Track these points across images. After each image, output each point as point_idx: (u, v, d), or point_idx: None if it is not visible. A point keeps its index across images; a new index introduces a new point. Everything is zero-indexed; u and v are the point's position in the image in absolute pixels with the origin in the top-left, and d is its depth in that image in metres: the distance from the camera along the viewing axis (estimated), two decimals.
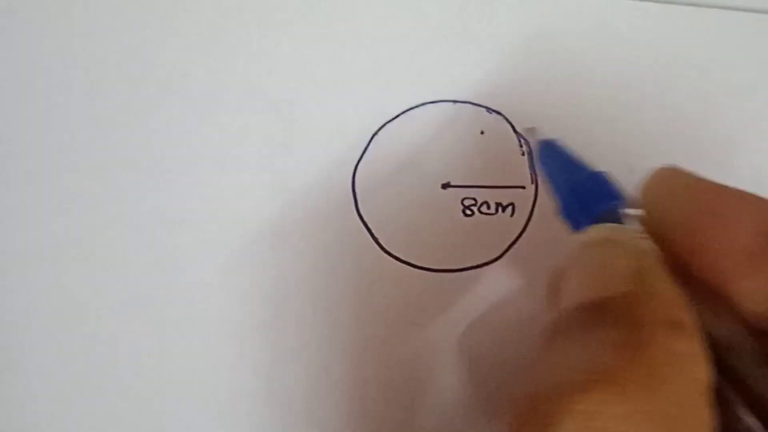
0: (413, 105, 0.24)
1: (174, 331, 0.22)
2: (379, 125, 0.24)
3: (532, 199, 0.24)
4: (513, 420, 0.13)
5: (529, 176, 0.24)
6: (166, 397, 0.22)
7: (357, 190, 0.24)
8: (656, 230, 0.16)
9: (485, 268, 0.23)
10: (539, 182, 0.24)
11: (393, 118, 0.24)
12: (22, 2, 0.25)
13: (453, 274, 0.23)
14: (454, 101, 0.25)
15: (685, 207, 0.16)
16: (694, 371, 0.13)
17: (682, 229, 0.16)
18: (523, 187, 0.24)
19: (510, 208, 0.24)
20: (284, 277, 0.23)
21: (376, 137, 0.24)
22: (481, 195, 0.24)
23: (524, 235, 0.23)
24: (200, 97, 0.24)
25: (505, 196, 0.24)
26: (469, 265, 0.23)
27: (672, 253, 0.16)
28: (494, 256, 0.23)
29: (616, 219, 0.17)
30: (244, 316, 0.23)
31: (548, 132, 0.23)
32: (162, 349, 0.22)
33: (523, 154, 0.24)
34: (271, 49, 0.25)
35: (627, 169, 0.24)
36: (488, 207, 0.24)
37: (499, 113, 0.24)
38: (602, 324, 0.14)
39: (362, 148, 0.24)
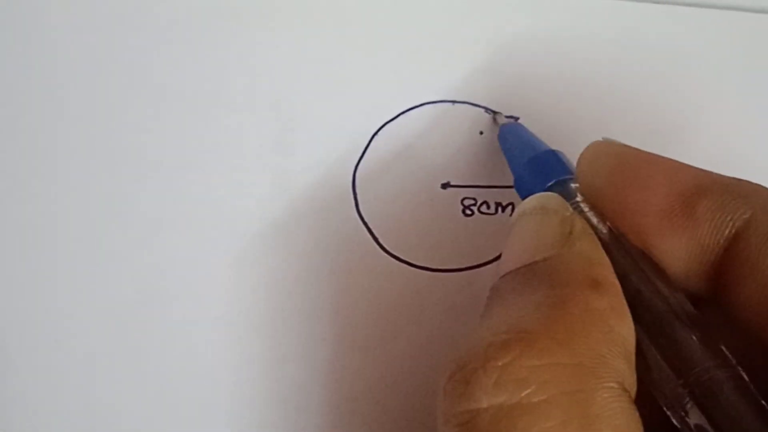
0: (413, 105, 0.25)
1: (173, 331, 0.22)
2: (379, 125, 0.24)
3: None
4: (443, 381, 0.14)
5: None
6: (167, 397, 0.22)
7: (357, 190, 0.24)
8: (590, 199, 0.17)
9: (485, 267, 0.23)
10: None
11: (393, 118, 0.24)
12: (23, 2, 0.25)
13: (453, 273, 0.23)
14: (454, 101, 0.25)
15: (610, 174, 0.17)
16: (612, 326, 0.14)
17: (608, 195, 0.17)
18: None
19: (510, 207, 0.24)
20: (284, 276, 0.23)
21: (376, 137, 0.24)
22: (480, 195, 0.24)
23: None
24: (200, 97, 0.24)
25: (504, 196, 0.24)
26: (469, 264, 0.23)
27: (607, 219, 0.17)
28: (494, 256, 0.23)
29: (565, 192, 0.18)
30: (244, 315, 0.23)
31: (547, 131, 0.23)
32: (162, 350, 0.22)
33: None
34: (271, 48, 0.25)
35: None
36: (488, 207, 0.24)
37: (498, 113, 0.24)
38: (530, 287, 0.15)
39: (362, 148, 0.24)
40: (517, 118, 0.24)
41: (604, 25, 0.26)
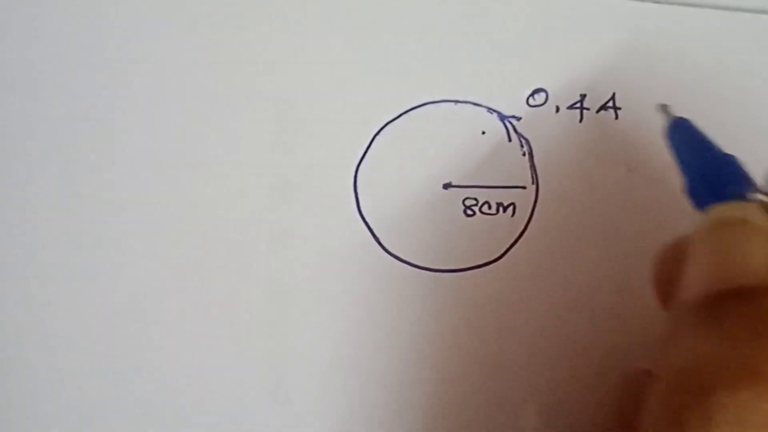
0: (415, 105, 0.24)
1: (174, 332, 0.22)
2: (381, 125, 0.24)
3: (532, 199, 0.24)
4: (667, 389, 0.13)
5: (530, 176, 0.24)
6: (167, 397, 0.22)
7: (358, 190, 0.24)
8: None
9: (486, 268, 0.23)
10: (540, 182, 0.24)
11: (394, 118, 0.24)
12: (23, 2, 0.25)
13: (454, 274, 0.23)
14: (456, 101, 0.25)
15: None
16: None
17: None
18: (524, 188, 0.24)
19: (511, 208, 0.24)
20: (285, 277, 0.23)
21: (377, 137, 0.24)
22: (482, 195, 0.24)
23: (525, 235, 0.24)
24: (200, 97, 0.24)
25: (506, 197, 0.24)
26: (470, 265, 0.23)
27: None
28: (495, 256, 0.23)
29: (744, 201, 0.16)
30: (245, 315, 0.23)
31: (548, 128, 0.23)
32: (162, 350, 0.22)
33: (524, 155, 0.24)
34: (272, 48, 0.25)
35: (626, 169, 0.24)
36: (489, 207, 0.24)
37: (500, 113, 0.24)
38: (740, 315, 0.13)
39: (364, 148, 0.24)
40: (519, 118, 0.24)
41: (606, 25, 0.26)
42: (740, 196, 0.17)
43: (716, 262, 0.14)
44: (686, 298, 0.15)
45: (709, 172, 0.18)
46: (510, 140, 0.24)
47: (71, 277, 0.23)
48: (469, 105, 0.25)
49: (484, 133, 0.24)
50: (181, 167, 0.24)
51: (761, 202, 0.16)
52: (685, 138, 0.20)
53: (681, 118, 0.21)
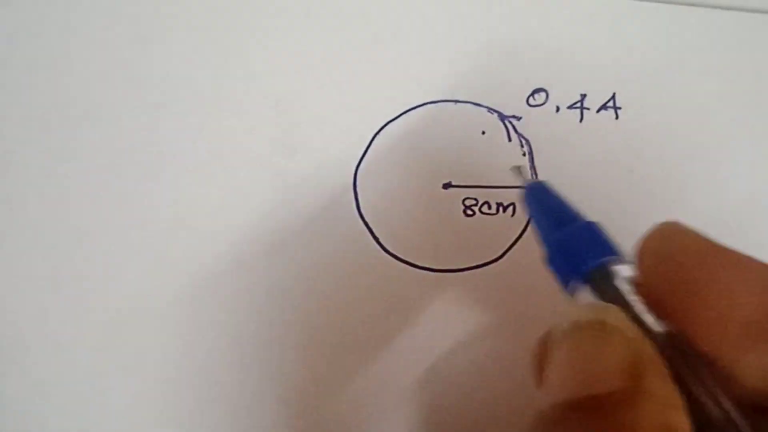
0: (414, 105, 0.24)
1: (175, 331, 0.22)
2: (381, 125, 0.24)
3: None
4: None
5: (530, 176, 0.24)
6: (167, 398, 0.22)
7: (358, 190, 0.24)
8: (650, 292, 0.15)
9: (486, 267, 0.23)
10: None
11: (394, 118, 0.24)
12: (23, 1, 0.25)
13: (454, 273, 0.23)
14: (456, 101, 0.25)
15: (684, 271, 0.15)
16: None
17: (679, 294, 0.15)
18: (524, 188, 0.24)
19: (511, 208, 0.24)
20: (285, 276, 0.23)
21: (377, 137, 0.24)
22: (481, 195, 0.24)
23: (525, 235, 0.24)
24: (201, 98, 0.24)
25: (505, 197, 0.24)
26: (470, 264, 0.23)
27: (667, 315, 0.15)
28: (495, 256, 0.23)
29: (607, 275, 0.16)
30: (246, 315, 0.23)
31: (548, 142, 0.23)
32: (163, 350, 0.22)
33: (524, 155, 0.24)
34: (273, 49, 0.25)
35: (627, 169, 0.24)
36: (489, 207, 0.24)
37: (500, 113, 0.24)
38: (593, 426, 0.13)
39: (364, 148, 0.24)
40: (519, 118, 0.24)
41: (606, 26, 0.26)
42: (601, 270, 0.16)
43: (572, 367, 0.14)
44: (546, 401, 0.14)
45: (568, 243, 0.17)
46: (510, 140, 0.24)
47: (71, 278, 0.23)
48: (469, 105, 0.25)
49: (484, 133, 0.24)
50: (182, 168, 0.24)
51: (627, 277, 0.16)
52: (542, 204, 0.18)
53: (537, 183, 0.19)
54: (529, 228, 0.24)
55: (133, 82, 0.25)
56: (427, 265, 0.23)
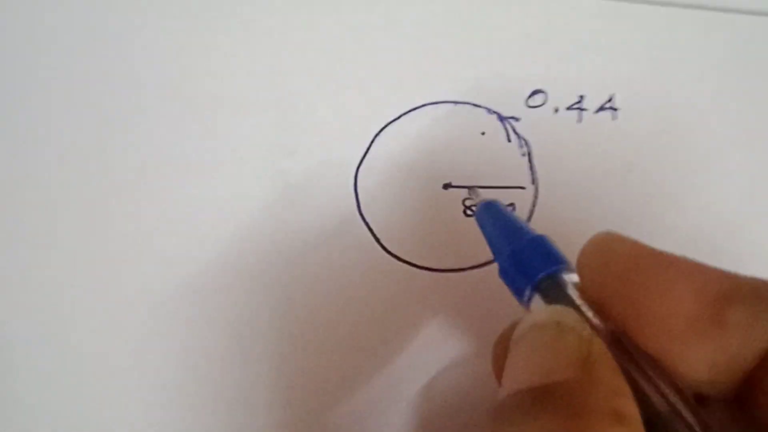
0: (415, 106, 0.25)
1: (176, 332, 0.22)
2: (381, 126, 0.24)
3: (532, 199, 0.24)
4: None
5: (529, 177, 0.24)
6: (168, 397, 0.22)
7: (359, 191, 0.24)
8: (594, 298, 0.16)
9: (486, 267, 0.23)
10: (539, 182, 0.24)
11: (395, 119, 0.24)
12: (23, 1, 0.25)
13: (454, 273, 0.23)
14: (455, 102, 0.25)
15: (622, 276, 0.16)
16: None
17: (620, 298, 0.16)
18: (523, 188, 0.24)
19: (510, 208, 0.24)
20: (286, 277, 0.23)
21: (377, 138, 0.24)
22: (482, 195, 0.24)
23: None
24: (202, 98, 0.24)
25: (505, 197, 0.24)
26: (471, 264, 0.23)
27: (611, 318, 0.16)
28: None
29: (556, 284, 0.17)
30: (245, 316, 0.23)
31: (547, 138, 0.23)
32: (163, 350, 0.22)
33: (523, 155, 0.24)
34: (273, 50, 0.25)
35: (625, 169, 0.25)
36: None
37: (499, 114, 0.25)
38: (545, 411, 0.14)
39: (364, 149, 0.24)
40: (518, 119, 0.25)
41: (606, 27, 0.26)
42: (552, 279, 0.17)
43: (530, 359, 0.15)
44: (504, 393, 0.15)
45: (519, 257, 0.18)
46: (509, 141, 0.24)
47: (71, 278, 0.23)
48: (468, 106, 0.25)
49: (483, 133, 0.25)
50: (182, 168, 0.24)
51: (575, 283, 0.17)
52: (495, 221, 0.20)
53: (489, 202, 0.21)
54: None
55: (133, 83, 0.25)
56: (427, 265, 0.23)
